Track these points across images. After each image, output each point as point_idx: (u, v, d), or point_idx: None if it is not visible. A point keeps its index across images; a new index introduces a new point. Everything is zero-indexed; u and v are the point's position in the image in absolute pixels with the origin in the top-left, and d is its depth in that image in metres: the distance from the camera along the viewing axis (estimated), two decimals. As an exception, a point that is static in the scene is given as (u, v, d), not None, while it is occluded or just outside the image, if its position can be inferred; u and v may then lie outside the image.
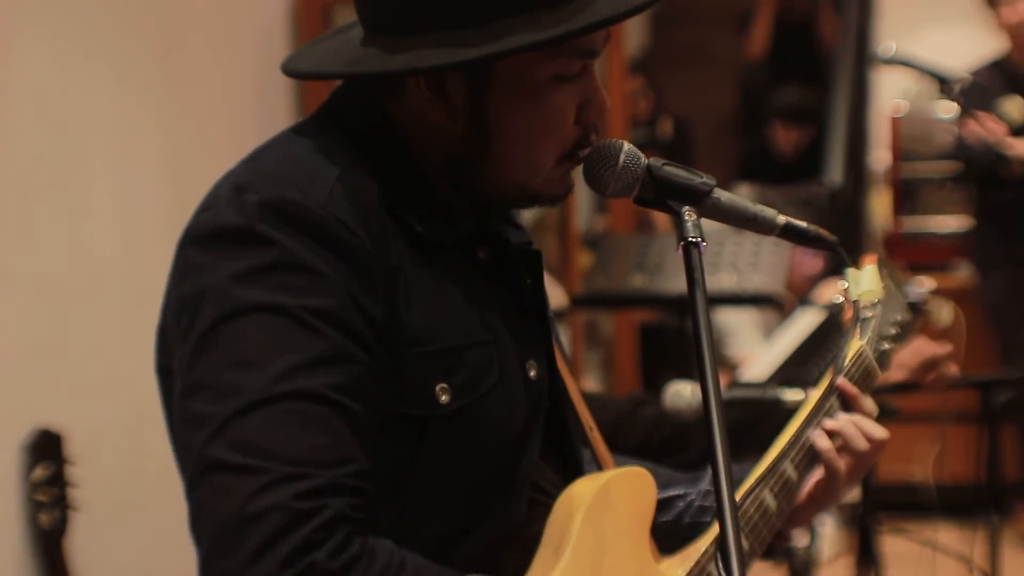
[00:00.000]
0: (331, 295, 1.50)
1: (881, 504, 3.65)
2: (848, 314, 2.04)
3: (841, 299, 2.07)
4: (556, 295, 2.93)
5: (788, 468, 1.86)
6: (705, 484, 1.96)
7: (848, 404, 1.92)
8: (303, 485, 1.41)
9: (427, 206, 1.62)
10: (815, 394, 1.93)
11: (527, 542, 1.65)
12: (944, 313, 3.78)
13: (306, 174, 1.56)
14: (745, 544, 1.78)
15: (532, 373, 1.70)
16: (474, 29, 1.55)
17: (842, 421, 1.89)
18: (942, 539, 3.85)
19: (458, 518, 1.62)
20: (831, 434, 1.88)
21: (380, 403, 1.53)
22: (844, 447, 1.88)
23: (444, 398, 1.57)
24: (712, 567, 1.74)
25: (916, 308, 3.78)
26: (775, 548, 1.94)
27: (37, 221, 2.86)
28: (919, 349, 3.11)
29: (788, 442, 1.88)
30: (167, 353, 1.61)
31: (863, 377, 1.99)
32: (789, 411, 1.98)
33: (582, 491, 1.67)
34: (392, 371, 1.54)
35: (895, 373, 3.22)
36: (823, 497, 1.90)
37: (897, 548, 3.87)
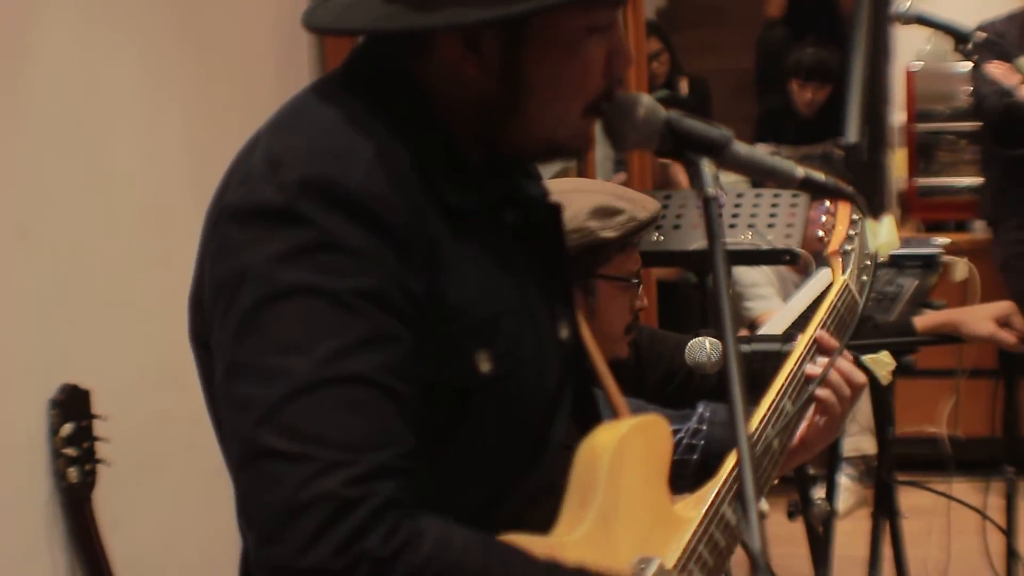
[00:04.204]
0: (372, 274, 1.47)
1: (897, 458, 3.68)
2: (831, 249, 2.14)
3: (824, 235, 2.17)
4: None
5: (787, 404, 1.93)
6: (694, 422, 2.03)
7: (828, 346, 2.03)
8: (351, 471, 1.40)
9: (459, 174, 1.60)
10: (807, 333, 2.03)
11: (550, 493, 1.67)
12: (959, 269, 3.82)
13: (343, 148, 1.52)
14: None
15: (564, 334, 1.70)
16: None
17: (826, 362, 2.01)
18: (956, 492, 3.89)
19: (496, 481, 1.62)
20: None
21: (422, 377, 1.51)
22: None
23: (485, 367, 1.56)
24: (726, 508, 1.78)
25: (933, 263, 3.82)
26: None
27: (63, 184, 2.88)
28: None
29: (785, 379, 1.95)
30: (203, 325, 1.59)
31: (848, 309, 2.09)
32: None
33: (604, 441, 1.69)
34: (433, 344, 1.52)
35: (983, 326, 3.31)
36: (824, 427, 2.02)
37: (913, 501, 3.90)
